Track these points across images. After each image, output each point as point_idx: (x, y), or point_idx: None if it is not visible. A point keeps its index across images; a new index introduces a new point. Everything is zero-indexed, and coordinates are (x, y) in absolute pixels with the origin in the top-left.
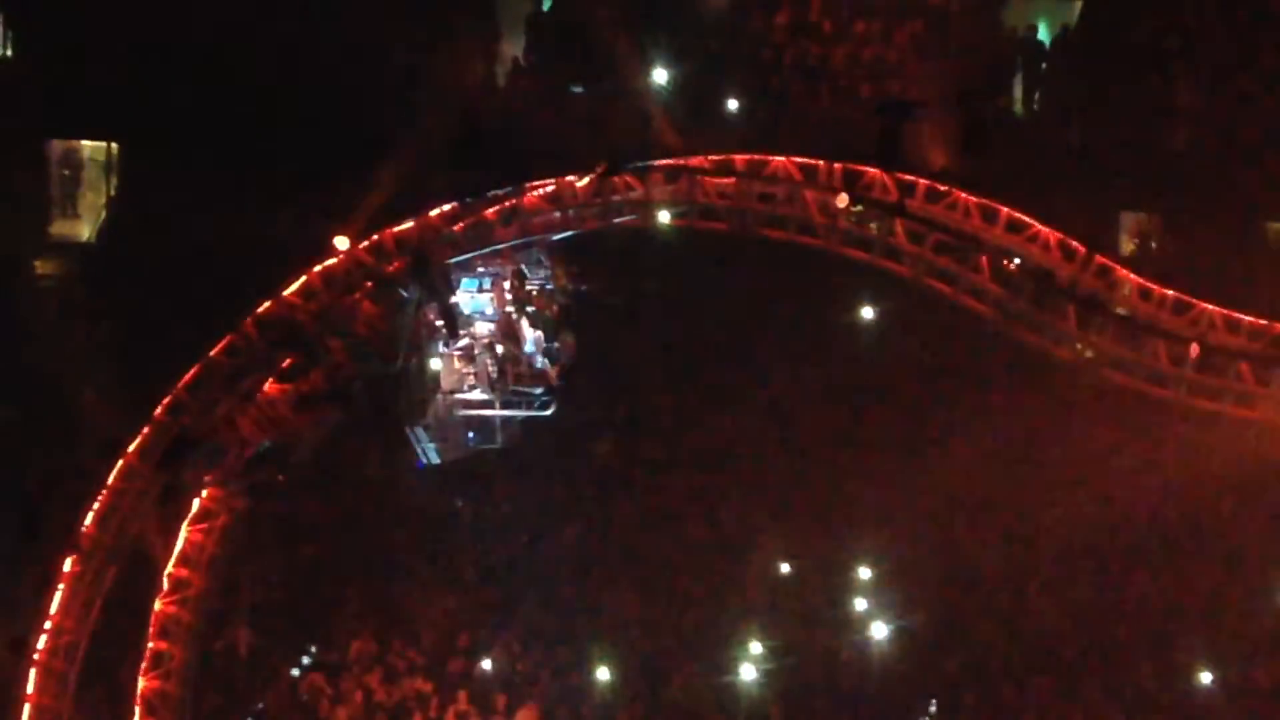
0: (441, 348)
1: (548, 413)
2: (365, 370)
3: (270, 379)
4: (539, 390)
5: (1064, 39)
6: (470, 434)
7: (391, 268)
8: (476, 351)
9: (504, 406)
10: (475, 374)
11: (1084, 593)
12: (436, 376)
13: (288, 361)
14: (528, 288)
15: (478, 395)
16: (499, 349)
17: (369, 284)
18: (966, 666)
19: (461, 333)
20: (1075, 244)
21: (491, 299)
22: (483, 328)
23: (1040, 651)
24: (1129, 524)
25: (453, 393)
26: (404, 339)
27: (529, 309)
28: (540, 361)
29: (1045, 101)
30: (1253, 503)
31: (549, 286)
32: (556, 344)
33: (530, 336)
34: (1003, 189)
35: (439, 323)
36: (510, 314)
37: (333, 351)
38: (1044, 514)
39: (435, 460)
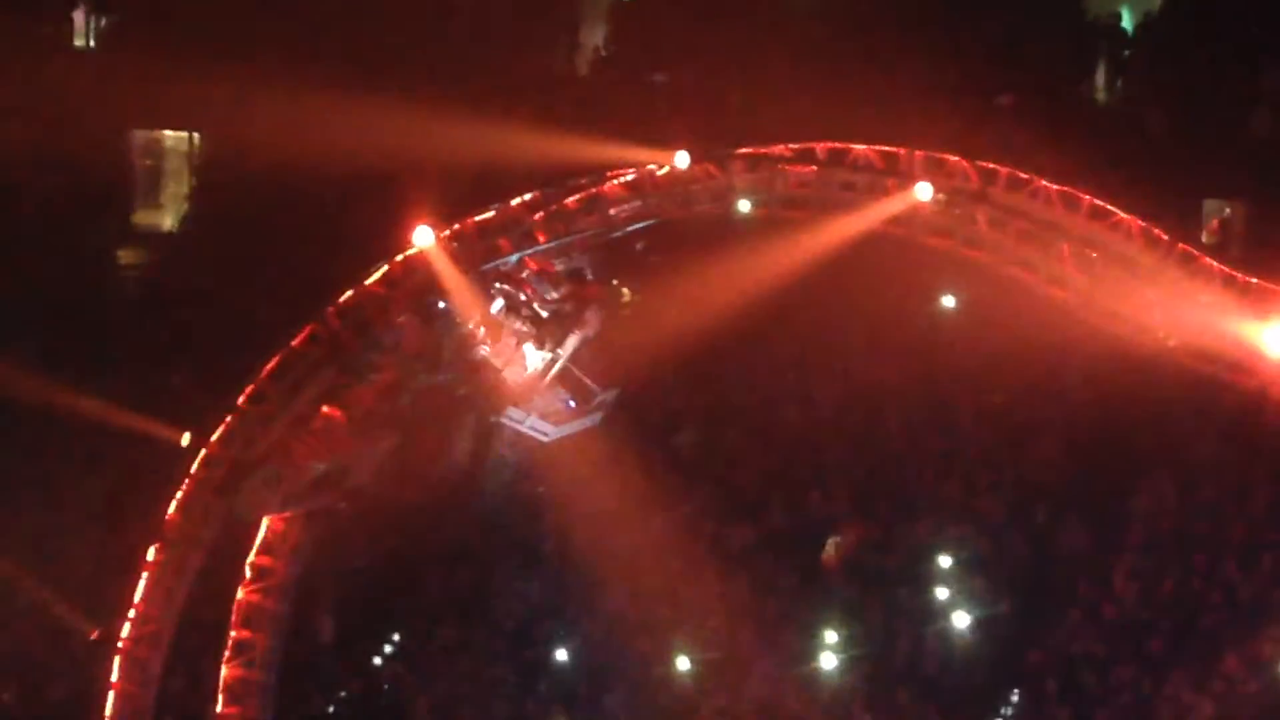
0: (483, 350)
1: (598, 327)
2: (413, 384)
3: (325, 403)
4: (575, 309)
5: (1147, 26)
6: (567, 399)
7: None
8: (505, 321)
9: (566, 347)
10: (517, 339)
11: (1168, 581)
12: (491, 364)
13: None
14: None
15: (538, 355)
16: (522, 308)
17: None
18: (1049, 655)
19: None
20: (1158, 231)
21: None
22: (495, 304)
23: (1124, 640)
24: (1214, 512)
25: (514, 366)
26: (448, 349)
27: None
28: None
29: (1128, 89)
30: None
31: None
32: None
33: (549, 293)
34: (1085, 176)
35: (480, 330)
36: (511, 271)
37: (378, 368)
38: (1129, 502)
39: (554, 432)
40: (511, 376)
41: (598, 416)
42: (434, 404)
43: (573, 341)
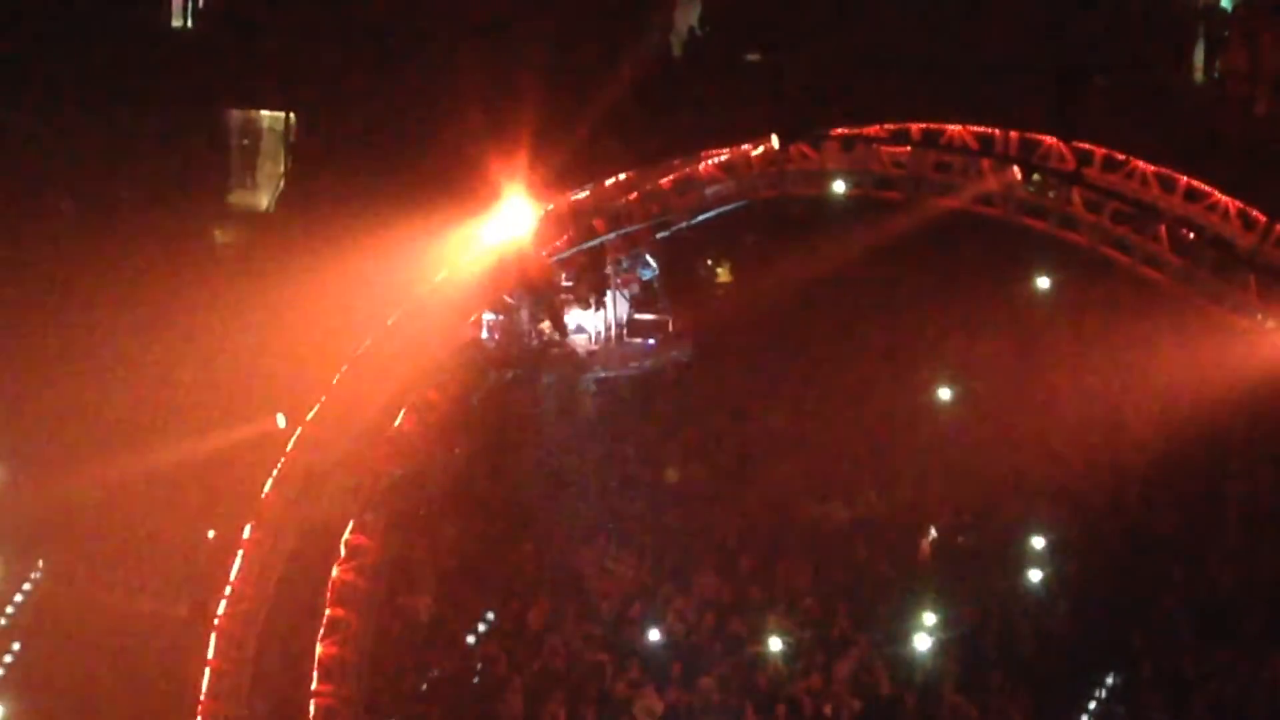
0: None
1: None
2: (483, 383)
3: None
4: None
5: (1246, 5)
6: (645, 340)
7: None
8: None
9: (614, 299)
10: (578, 302)
11: (1266, 563)
12: (557, 342)
13: None
14: None
15: (593, 317)
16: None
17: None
18: (1145, 638)
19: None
20: (1255, 213)
21: None
22: None
23: (1221, 623)
24: None
25: (577, 335)
26: (519, 346)
27: None
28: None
29: (1227, 69)
30: None
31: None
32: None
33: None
34: (1183, 157)
35: (547, 325)
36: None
37: (448, 370)
38: (1225, 483)
39: (648, 365)
40: (581, 344)
41: (686, 347)
42: (508, 401)
43: (614, 294)
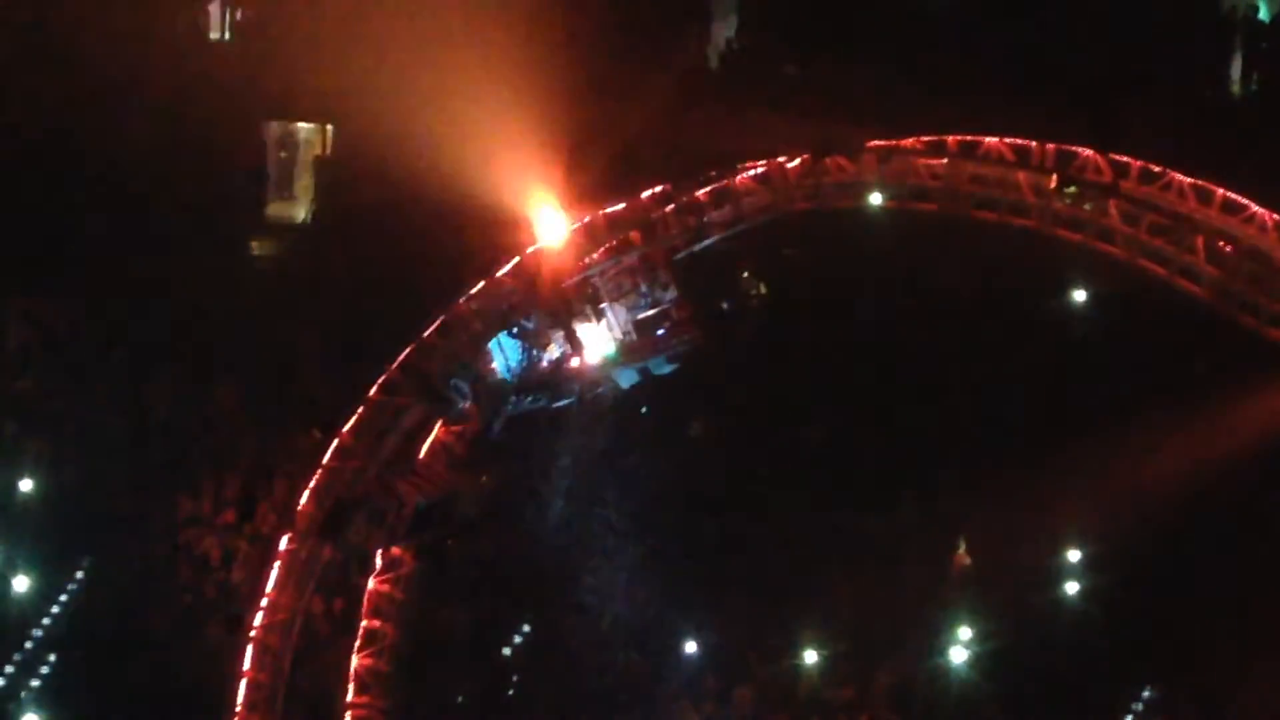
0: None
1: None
2: (503, 412)
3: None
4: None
5: None
6: (655, 330)
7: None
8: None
9: (613, 310)
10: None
11: None
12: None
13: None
14: None
15: (597, 330)
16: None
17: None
18: (1181, 652)
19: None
20: None
21: None
22: None
23: (1257, 638)
24: None
25: (590, 348)
26: (534, 369)
27: None
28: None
29: (1264, 81)
30: None
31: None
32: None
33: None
34: (1220, 169)
35: (565, 346)
36: None
37: (465, 395)
38: (1262, 499)
39: (670, 357)
40: (593, 357)
41: (696, 332)
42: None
43: (611, 307)
